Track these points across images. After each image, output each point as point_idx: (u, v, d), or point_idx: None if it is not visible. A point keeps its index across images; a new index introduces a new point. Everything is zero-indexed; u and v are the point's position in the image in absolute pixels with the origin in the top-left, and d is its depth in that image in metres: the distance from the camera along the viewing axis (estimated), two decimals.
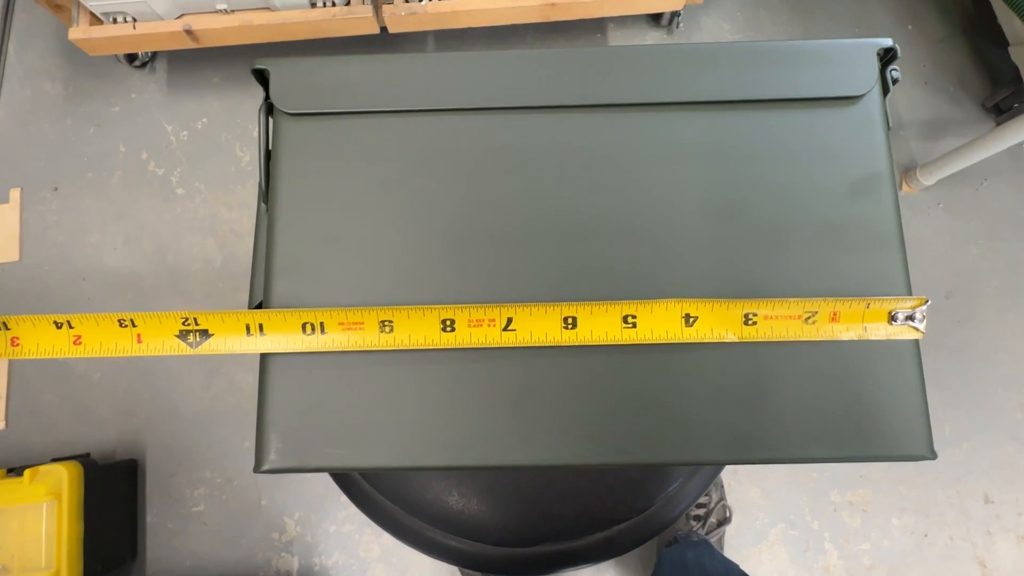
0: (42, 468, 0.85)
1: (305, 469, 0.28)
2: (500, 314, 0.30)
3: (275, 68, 0.31)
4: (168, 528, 0.99)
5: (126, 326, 0.32)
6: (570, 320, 0.30)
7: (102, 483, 0.90)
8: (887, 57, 0.31)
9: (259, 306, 0.32)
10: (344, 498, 1.00)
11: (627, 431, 0.28)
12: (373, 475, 0.45)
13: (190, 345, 0.32)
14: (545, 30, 1.13)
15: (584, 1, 0.92)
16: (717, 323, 0.30)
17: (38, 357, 0.33)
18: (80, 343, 0.33)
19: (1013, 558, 0.94)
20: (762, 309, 0.30)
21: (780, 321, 0.30)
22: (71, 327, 0.32)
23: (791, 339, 0.29)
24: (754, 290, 0.30)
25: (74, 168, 1.11)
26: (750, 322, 0.30)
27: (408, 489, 0.44)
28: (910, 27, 1.13)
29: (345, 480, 0.46)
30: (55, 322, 0.33)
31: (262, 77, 0.32)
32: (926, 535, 0.95)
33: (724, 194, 0.30)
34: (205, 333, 0.32)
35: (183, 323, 0.32)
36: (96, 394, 1.04)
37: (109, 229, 1.09)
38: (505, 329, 0.30)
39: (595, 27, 1.13)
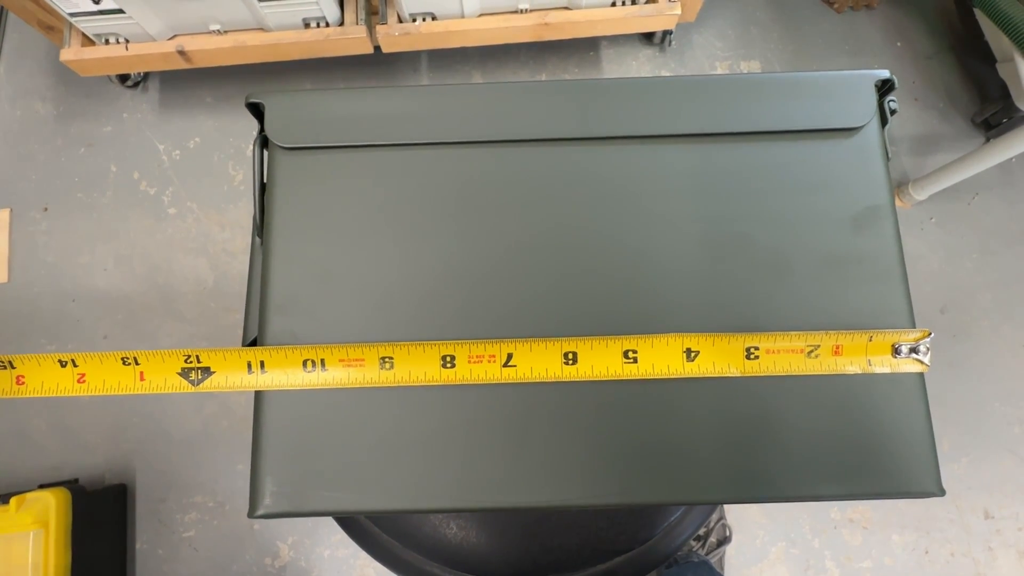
0: (29, 495, 0.83)
1: (302, 513, 0.27)
2: (500, 350, 0.30)
3: (270, 102, 0.30)
4: (158, 555, 0.97)
5: (129, 364, 0.32)
6: (570, 355, 0.30)
7: (90, 510, 0.88)
8: (885, 88, 0.31)
9: (253, 342, 0.31)
10: None
11: (629, 470, 0.27)
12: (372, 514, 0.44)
13: (192, 383, 0.32)
14: (538, 49, 1.13)
15: (577, 21, 0.92)
16: (719, 357, 0.29)
17: (43, 396, 0.34)
18: (84, 381, 0.33)
19: (1015, 574, 0.93)
20: (764, 343, 0.29)
21: (782, 355, 0.29)
22: (75, 365, 0.33)
23: (794, 373, 0.29)
24: (756, 324, 0.29)
25: (64, 188, 1.10)
26: (752, 356, 0.29)
27: (406, 522, 0.43)
28: (899, 44, 1.14)
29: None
30: (60, 360, 0.33)
31: (257, 110, 0.31)
32: (927, 552, 0.94)
33: (724, 227, 0.30)
34: (207, 370, 0.31)
35: (185, 360, 0.31)
36: (85, 417, 1.02)
37: (99, 250, 1.08)
38: (505, 365, 0.30)
39: (588, 46, 1.14)
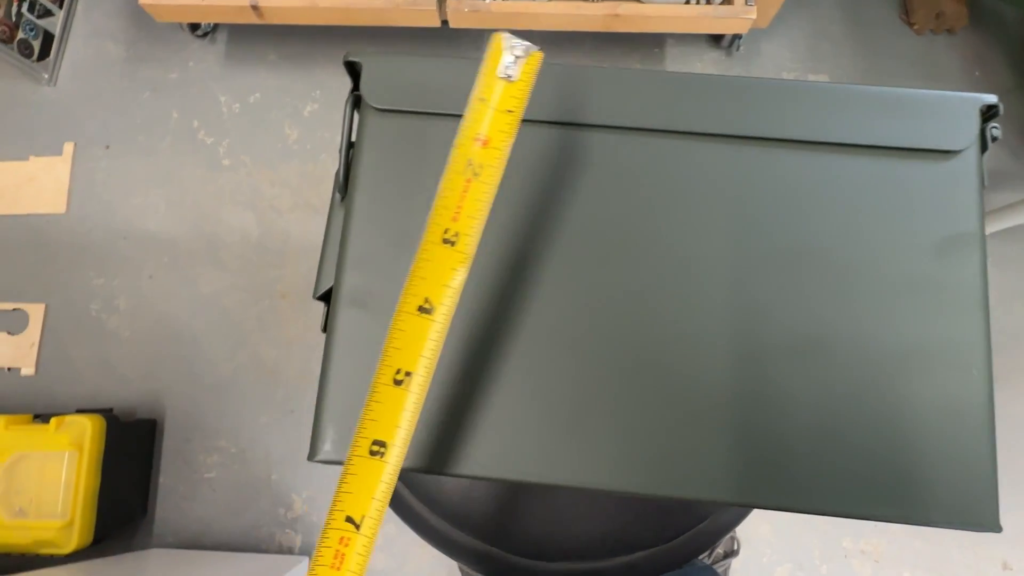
0: (67, 418, 0.87)
1: None
2: None
3: (368, 62, 0.31)
4: (179, 491, 1.01)
5: None
6: None
7: (122, 439, 0.92)
8: (989, 114, 0.30)
9: (326, 295, 0.32)
10: None
11: (673, 455, 0.27)
12: (403, 472, 0.45)
13: None
14: (603, 40, 1.12)
15: (649, 15, 0.91)
16: None
17: None
18: None
19: None
20: None
21: None
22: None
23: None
24: (822, 338, 0.29)
25: (127, 129, 1.14)
26: None
27: (437, 490, 0.44)
28: (977, 73, 1.10)
29: None
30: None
31: (353, 69, 0.32)
32: None
33: (806, 238, 0.29)
34: None
35: None
36: (123, 352, 1.06)
37: (153, 192, 1.12)
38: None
39: (654, 42, 1.12)
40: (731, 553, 0.92)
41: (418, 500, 0.45)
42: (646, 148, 0.31)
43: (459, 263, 0.25)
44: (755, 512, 1.00)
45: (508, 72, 0.26)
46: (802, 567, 0.95)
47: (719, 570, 0.89)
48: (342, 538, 0.24)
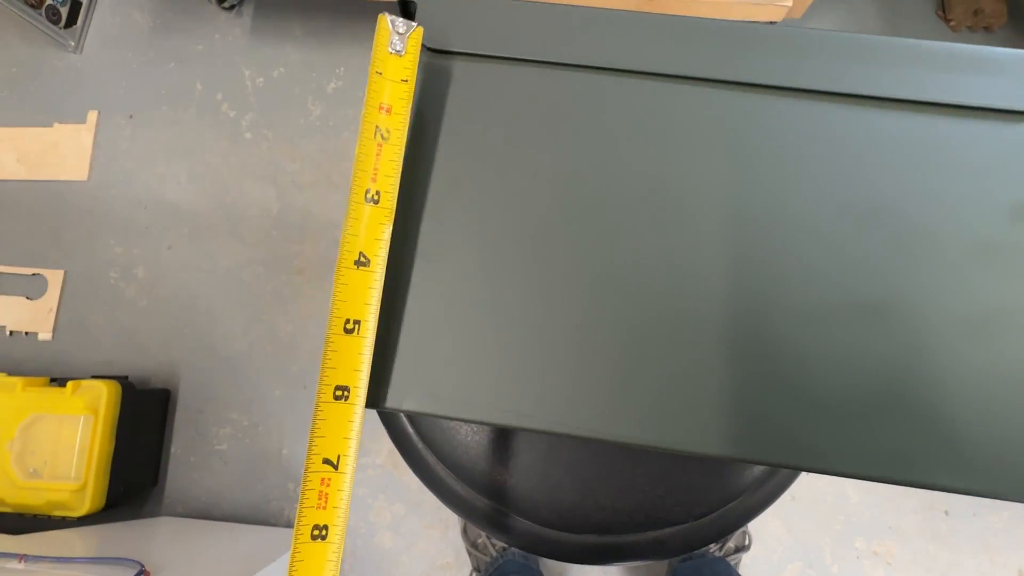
0: (84, 382, 0.88)
1: (400, 410, 0.27)
2: None
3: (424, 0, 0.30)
4: (190, 461, 1.01)
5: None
6: None
7: (136, 406, 0.92)
8: None
9: None
10: (363, 461, 1.01)
11: (740, 415, 0.26)
12: (430, 438, 0.44)
13: None
14: None
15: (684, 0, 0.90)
16: None
17: None
18: None
19: None
20: None
21: None
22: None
23: None
24: (888, 300, 0.28)
25: (151, 99, 1.14)
26: None
27: (464, 456, 0.44)
28: None
29: (400, 438, 0.46)
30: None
31: (407, 10, 0.31)
32: None
33: (876, 198, 0.28)
34: None
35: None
36: (140, 321, 1.06)
37: (175, 163, 1.12)
38: None
39: None
40: (742, 548, 0.91)
41: (443, 466, 0.44)
42: (712, 101, 0.30)
43: (385, 218, 0.28)
44: (768, 509, 0.99)
45: (396, 48, 0.29)
46: (812, 566, 0.94)
47: (731, 563, 0.88)
48: (323, 479, 0.25)
